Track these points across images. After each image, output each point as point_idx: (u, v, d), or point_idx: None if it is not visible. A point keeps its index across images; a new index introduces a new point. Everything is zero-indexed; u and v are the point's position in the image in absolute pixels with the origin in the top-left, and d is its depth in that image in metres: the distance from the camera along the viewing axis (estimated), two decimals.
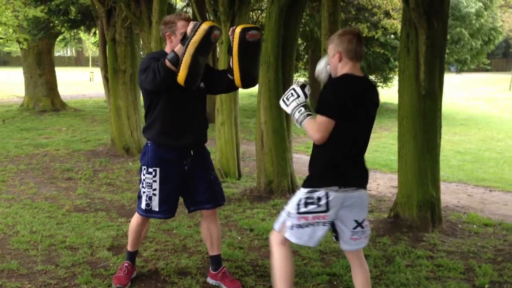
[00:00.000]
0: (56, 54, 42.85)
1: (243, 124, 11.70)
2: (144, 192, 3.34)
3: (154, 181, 3.30)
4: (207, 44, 3.05)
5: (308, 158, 2.94)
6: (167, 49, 3.30)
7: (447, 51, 12.30)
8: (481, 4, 17.94)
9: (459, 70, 20.25)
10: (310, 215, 2.75)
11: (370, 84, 2.89)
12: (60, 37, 15.47)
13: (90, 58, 47.54)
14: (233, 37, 3.17)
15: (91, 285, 3.47)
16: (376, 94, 2.88)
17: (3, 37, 14.85)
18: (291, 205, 2.82)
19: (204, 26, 3.00)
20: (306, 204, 2.75)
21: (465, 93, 25.18)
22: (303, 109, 2.79)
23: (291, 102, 2.84)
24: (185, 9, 15.58)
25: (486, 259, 4.13)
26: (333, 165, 2.78)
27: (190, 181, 3.38)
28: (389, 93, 19.56)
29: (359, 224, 2.86)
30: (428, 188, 4.80)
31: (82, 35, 16.81)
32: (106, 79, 9.07)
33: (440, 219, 4.93)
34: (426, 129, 4.76)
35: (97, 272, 3.68)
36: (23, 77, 15.79)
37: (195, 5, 8.35)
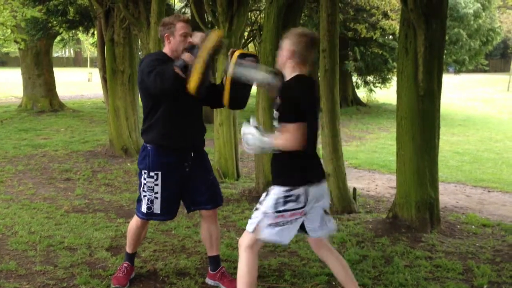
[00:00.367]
0: (55, 54, 42.76)
1: (241, 124, 11.66)
2: (145, 196, 3.33)
3: (156, 184, 3.29)
4: (217, 53, 3.10)
5: None
6: (166, 50, 3.30)
7: (445, 51, 12.28)
8: (479, 5, 17.95)
9: (457, 71, 20.20)
10: (288, 213, 2.81)
11: (315, 82, 3.09)
12: (59, 37, 15.44)
13: (88, 59, 47.57)
14: (231, 58, 3.16)
15: (89, 286, 3.47)
16: (318, 91, 3.20)
17: (1, 37, 14.83)
18: (266, 205, 2.84)
19: (216, 34, 3.04)
20: (285, 203, 2.80)
21: (463, 94, 25.21)
22: (263, 138, 2.86)
23: (253, 143, 2.90)
24: (183, 10, 15.57)
25: (485, 259, 4.13)
26: (308, 162, 2.89)
27: (189, 182, 3.38)
28: (387, 93, 19.61)
29: (326, 212, 2.99)
30: (426, 189, 4.80)
31: (81, 35, 16.73)
32: (104, 79, 9.06)
33: (438, 219, 4.93)
34: (424, 129, 4.76)
35: (96, 273, 3.68)
36: (21, 77, 15.76)
37: (194, 6, 8.33)
